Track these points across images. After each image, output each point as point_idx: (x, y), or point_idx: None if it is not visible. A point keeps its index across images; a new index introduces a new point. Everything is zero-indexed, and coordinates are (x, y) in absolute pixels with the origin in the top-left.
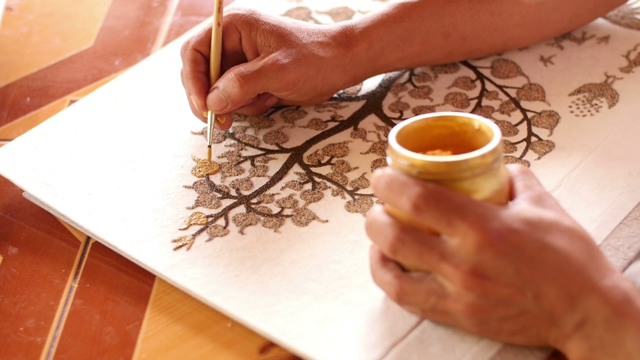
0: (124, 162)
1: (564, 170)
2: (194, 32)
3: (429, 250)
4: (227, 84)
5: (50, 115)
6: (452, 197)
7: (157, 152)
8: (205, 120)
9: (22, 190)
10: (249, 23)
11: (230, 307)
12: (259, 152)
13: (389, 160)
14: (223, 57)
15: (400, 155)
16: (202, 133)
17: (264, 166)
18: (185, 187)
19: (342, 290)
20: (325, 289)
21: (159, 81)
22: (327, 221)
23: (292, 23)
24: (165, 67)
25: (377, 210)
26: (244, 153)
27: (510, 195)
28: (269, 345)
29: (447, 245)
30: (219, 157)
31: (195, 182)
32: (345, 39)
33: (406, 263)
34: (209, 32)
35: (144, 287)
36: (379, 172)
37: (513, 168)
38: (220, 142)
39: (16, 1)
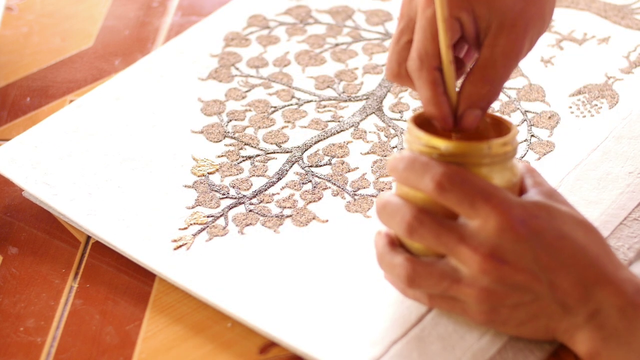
0: (123, 161)
1: (564, 170)
2: (423, 44)
3: (448, 232)
4: (476, 99)
5: (50, 115)
6: (475, 180)
7: (157, 151)
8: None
9: (22, 190)
10: (465, 9)
11: (230, 307)
12: (259, 152)
13: (406, 145)
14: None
15: (421, 138)
16: (202, 132)
17: (263, 166)
18: (185, 186)
19: (342, 289)
20: (325, 288)
21: (159, 79)
22: (327, 221)
23: None
24: (165, 65)
25: (390, 194)
26: (244, 153)
27: (521, 192)
28: (269, 345)
29: (466, 228)
30: (218, 157)
31: (195, 182)
32: None
33: (422, 244)
34: (436, 38)
35: (144, 287)
36: (397, 154)
37: (522, 166)
38: (220, 141)
39: (16, 1)
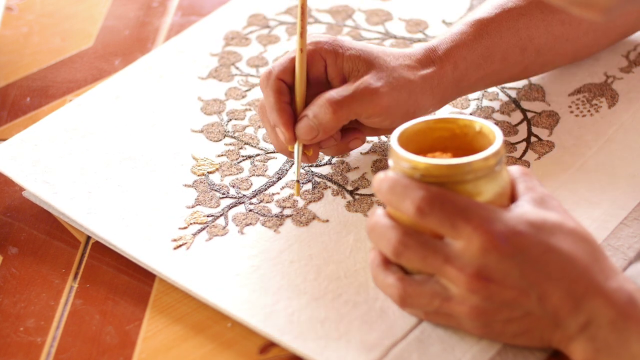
0: (123, 159)
1: (564, 170)
2: (276, 62)
3: (433, 254)
4: (318, 110)
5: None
6: (455, 200)
7: (157, 150)
8: (289, 154)
9: (22, 190)
10: (334, 50)
11: (230, 307)
12: (259, 151)
13: (390, 163)
14: (306, 87)
15: (402, 158)
16: (202, 131)
17: (263, 165)
18: (185, 185)
19: (342, 290)
20: (325, 288)
21: (159, 78)
22: (327, 221)
23: (376, 47)
24: (165, 64)
25: (379, 214)
26: (244, 152)
27: (512, 198)
28: (269, 345)
29: (451, 248)
30: (218, 156)
31: (195, 181)
32: (430, 61)
33: (409, 266)
34: (292, 60)
35: (144, 287)
36: (381, 175)
37: (514, 170)
38: (220, 140)
39: (16, 1)
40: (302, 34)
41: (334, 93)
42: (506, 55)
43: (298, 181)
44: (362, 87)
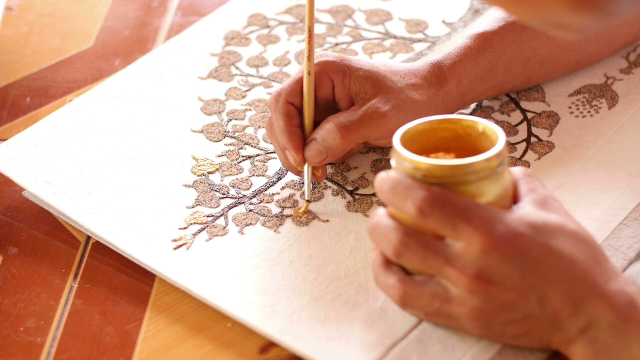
0: (123, 159)
1: (564, 170)
2: (284, 84)
3: (434, 255)
4: (326, 135)
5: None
6: (457, 201)
7: (157, 150)
8: (297, 173)
9: (22, 190)
10: (342, 70)
11: (230, 307)
12: (259, 151)
13: (392, 162)
14: (314, 107)
15: (404, 158)
16: (202, 131)
17: (263, 165)
18: (185, 185)
19: (342, 290)
20: (325, 288)
21: (159, 78)
22: (327, 221)
23: (383, 66)
24: (165, 64)
25: (380, 214)
26: (244, 152)
27: (515, 199)
28: (269, 345)
29: (451, 249)
30: (218, 156)
31: (195, 181)
32: (436, 78)
33: (410, 267)
34: (300, 82)
35: (144, 287)
36: (383, 174)
37: (517, 171)
38: (220, 140)
39: (16, 1)
40: (310, 57)
41: (342, 118)
42: (509, 68)
43: (309, 201)
44: (371, 112)
